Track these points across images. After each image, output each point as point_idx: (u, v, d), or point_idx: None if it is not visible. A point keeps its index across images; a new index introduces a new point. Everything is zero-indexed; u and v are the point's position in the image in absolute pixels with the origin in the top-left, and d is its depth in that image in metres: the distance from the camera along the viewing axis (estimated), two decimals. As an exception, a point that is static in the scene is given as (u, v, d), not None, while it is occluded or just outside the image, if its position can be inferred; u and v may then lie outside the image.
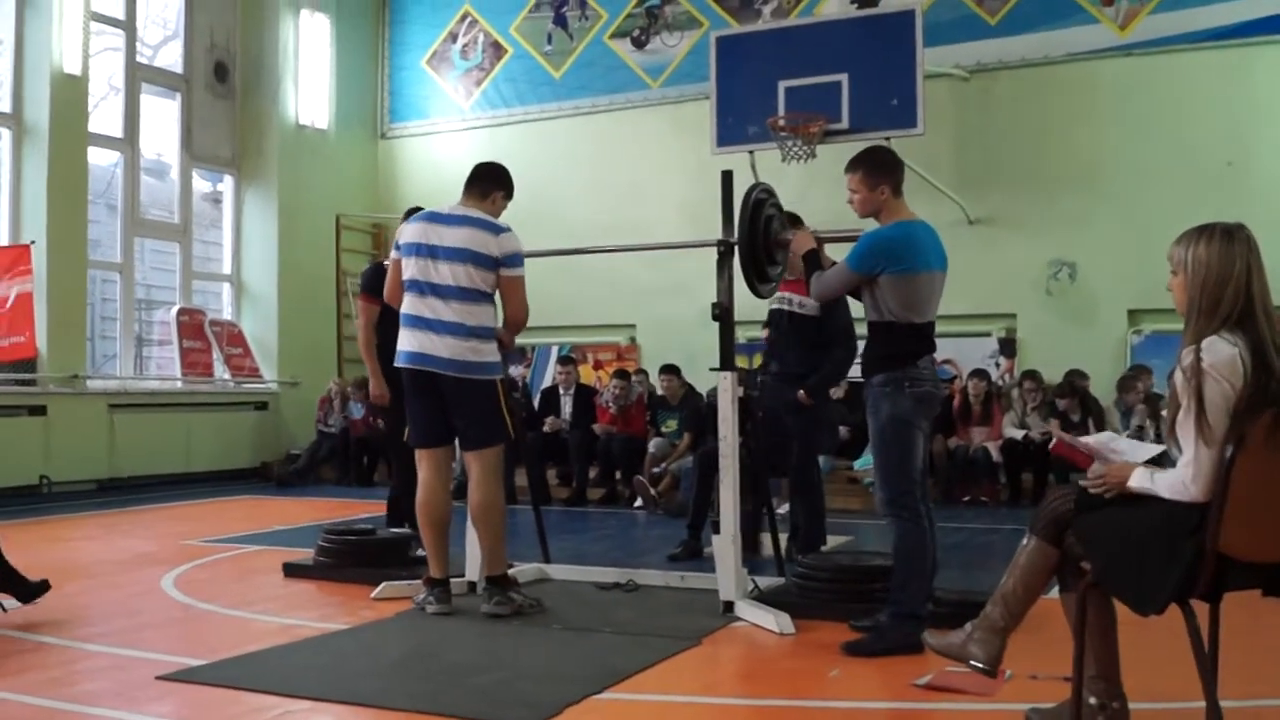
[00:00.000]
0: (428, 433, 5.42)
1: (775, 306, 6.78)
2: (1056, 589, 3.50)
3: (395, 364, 5.41)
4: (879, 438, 4.77)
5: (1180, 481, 3.00)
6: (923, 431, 4.79)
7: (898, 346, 4.76)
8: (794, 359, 6.75)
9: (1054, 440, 4.80)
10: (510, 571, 5.54)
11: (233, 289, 14.22)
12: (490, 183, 5.55)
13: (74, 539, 8.36)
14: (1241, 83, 11.17)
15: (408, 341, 5.31)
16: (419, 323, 5.27)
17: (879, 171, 4.89)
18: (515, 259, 5.35)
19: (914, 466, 4.72)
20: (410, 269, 5.32)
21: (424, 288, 5.27)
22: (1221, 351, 2.97)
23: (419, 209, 5.83)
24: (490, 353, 5.31)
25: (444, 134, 14.98)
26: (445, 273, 5.23)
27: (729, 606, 5.23)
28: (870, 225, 4.94)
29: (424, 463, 5.44)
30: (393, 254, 5.51)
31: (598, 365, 13.56)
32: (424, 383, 5.29)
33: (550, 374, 12.61)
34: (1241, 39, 11.16)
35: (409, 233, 5.40)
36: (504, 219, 5.49)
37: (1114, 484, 3.19)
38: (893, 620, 4.62)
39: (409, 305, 5.33)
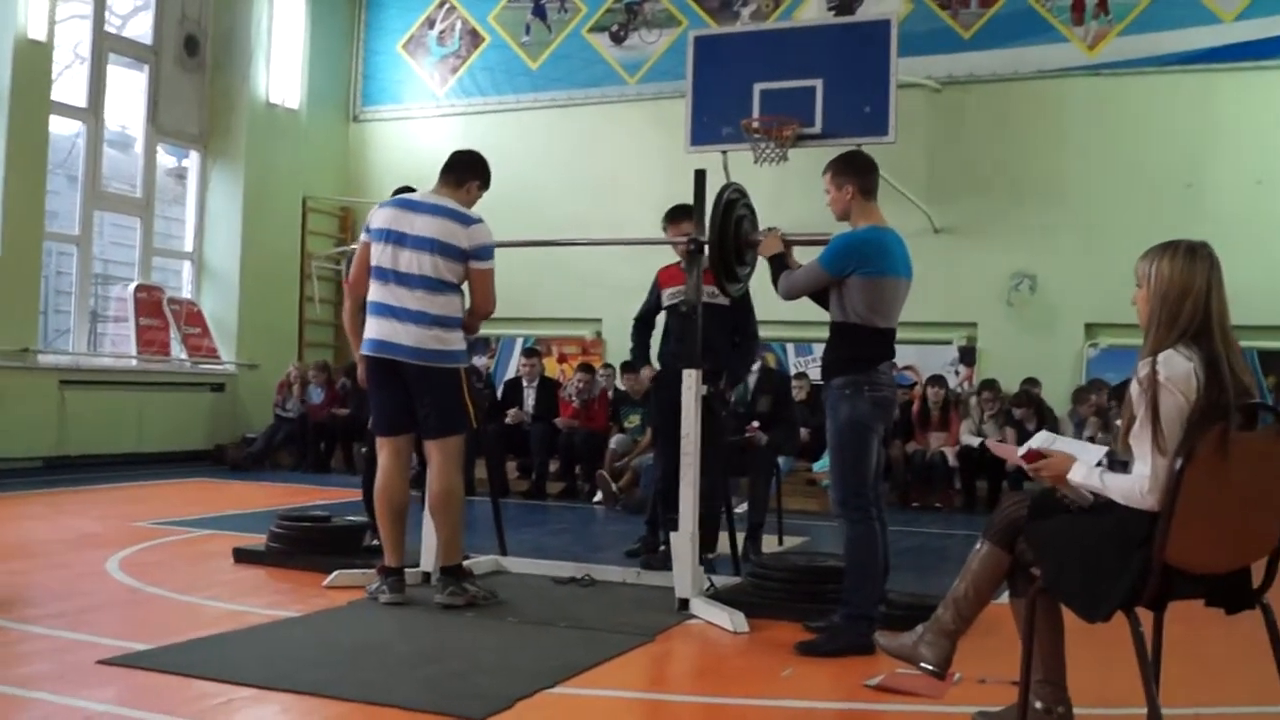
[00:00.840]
0: (390, 421, 5.38)
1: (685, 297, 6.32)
2: (1007, 594, 3.52)
3: (360, 351, 5.37)
4: (835, 439, 4.80)
5: (1136, 490, 3.03)
6: (878, 435, 4.81)
7: (860, 350, 4.78)
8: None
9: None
10: (466, 563, 5.52)
11: (193, 267, 14.06)
12: (466, 171, 5.50)
13: (19, 518, 8.25)
14: (1203, 107, 11.36)
15: (373, 329, 5.27)
16: (384, 310, 5.23)
17: (845, 172, 4.96)
18: (485, 251, 5.31)
19: (868, 469, 4.75)
20: (378, 255, 5.28)
21: (390, 275, 5.23)
22: (1177, 365, 3.00)
23: (409, 189, 5.78)
24: (455, 342, 5.28)
25: (417, 120, 14.90)
26: (412, 261, 5.20)
27: (684, 604, 5.23)
28: (842, 230, 4.96)
29: (384, 450, 5.40)
30: (362, 237, 5.46)
31: (562, 359, 13.54)
32: (388, 371, 5.26)
33: (514, 365, 12.57)
34: (1205, 65, 11.36)
35: (380, 217, 5.35)
36: (476, 209, 5.45)
37: (1052, 473, 3.24)
38: (845, 621, 4.63)
39: (375, 293, 5.29)
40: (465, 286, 5.39)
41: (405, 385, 5.26)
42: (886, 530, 4.88)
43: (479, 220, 5.34)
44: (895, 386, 4.95)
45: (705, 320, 5.84)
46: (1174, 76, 11.48)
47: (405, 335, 5.18)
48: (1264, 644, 3.09)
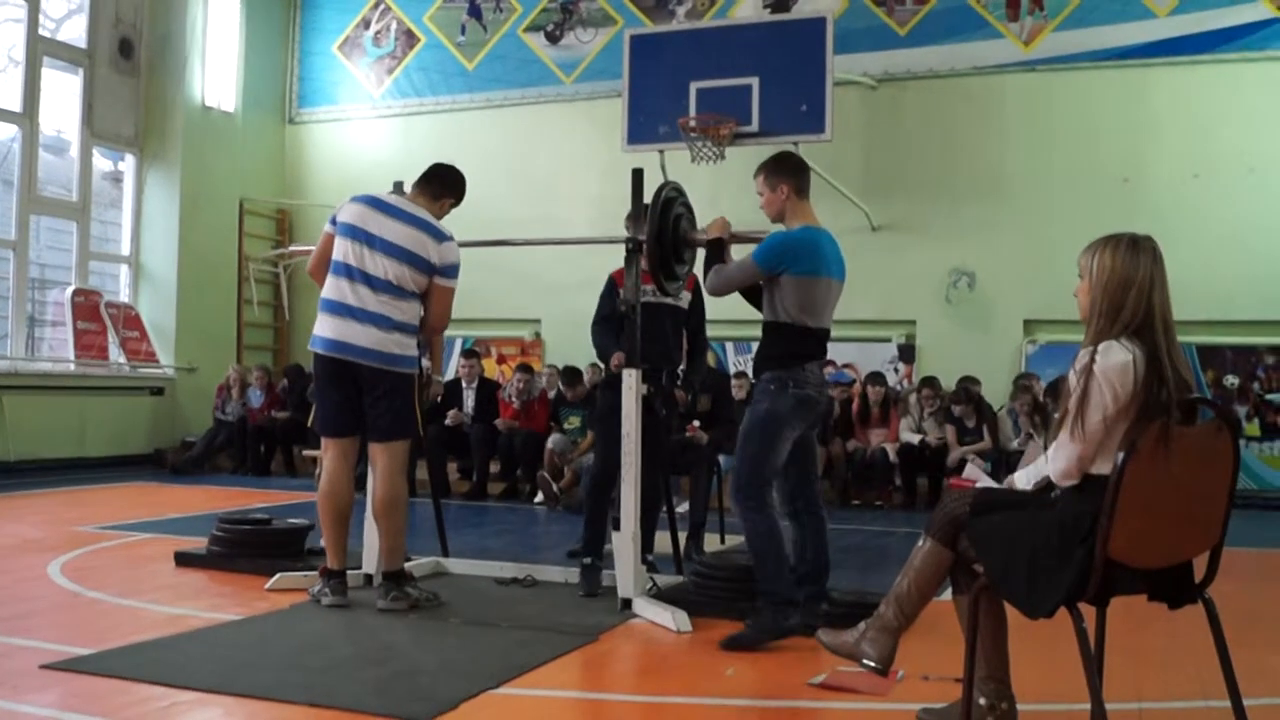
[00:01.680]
0: (337, 422, 5.35)
1: (644, 299, 5.91)
2: (949, 591, 3.56)
3: (311, 348, 5.32)
4: (745, 429, 4.87)
5: (1041, 461, 3.15)
6: (794, 433, 4.84)
7: (788, 347, 4.85)
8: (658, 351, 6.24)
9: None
10: (408, 565, 5.51)
11: (131, 271, 13.91)
12: (444, 186, 5.50)
13: (-43, 523, 8.14)
14: (1139, 101, 11.50)
15: (328, 328, 5.22)
16: (342, 309, 5.19)
17: (779, 173, 5.01)
18: (452, 270, 5.32)
19: (772, 464, 4.81)
20: (342, 251, 5.24)
21: (355, 274, 5.19)
22: (1115, 357, 3.04)
23: (401, 187, 5.73)
24: (412, 347, 5.28)
25: (354, 121, 14.82)
26: (380, 265, 5.16)
27: (627, 604, 5.25)
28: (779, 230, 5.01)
29: (330, 452, 5.38)
30: (325, 228, 5.39)
31: (501, 359, 13.52)
32: (339, 371, 5.23)
33: (454, 367, 12.53)
34: (1140, 59, 11.50)
35: (348, 213, 5.30)
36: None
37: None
38: (766, 609, 4.69)
39: (333, 289, 5.24)
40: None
41: (356, 386, 5.23)
42: (825, 527, 4.96)
43: (450, 237, 5.34)
44: (824, 386, 4.97)
45: (656, 320, 5.88)
46: (1110, 72, 11.62)
47: (363, 336, 5.14)
48: (1207, 638, 3.13)
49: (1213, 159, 11.23)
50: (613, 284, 6.33)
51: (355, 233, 5.23)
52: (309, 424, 5.58)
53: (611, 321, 6.24)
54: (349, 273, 5.20)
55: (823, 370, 4.96)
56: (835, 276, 4.94)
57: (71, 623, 5.01)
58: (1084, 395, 3.04)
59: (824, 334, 4.93)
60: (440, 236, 5.29)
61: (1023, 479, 3.40)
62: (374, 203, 5.32)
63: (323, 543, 5.42)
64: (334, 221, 5.35)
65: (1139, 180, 11.36)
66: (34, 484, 10.67)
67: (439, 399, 9.18)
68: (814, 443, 5.10)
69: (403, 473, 5.37)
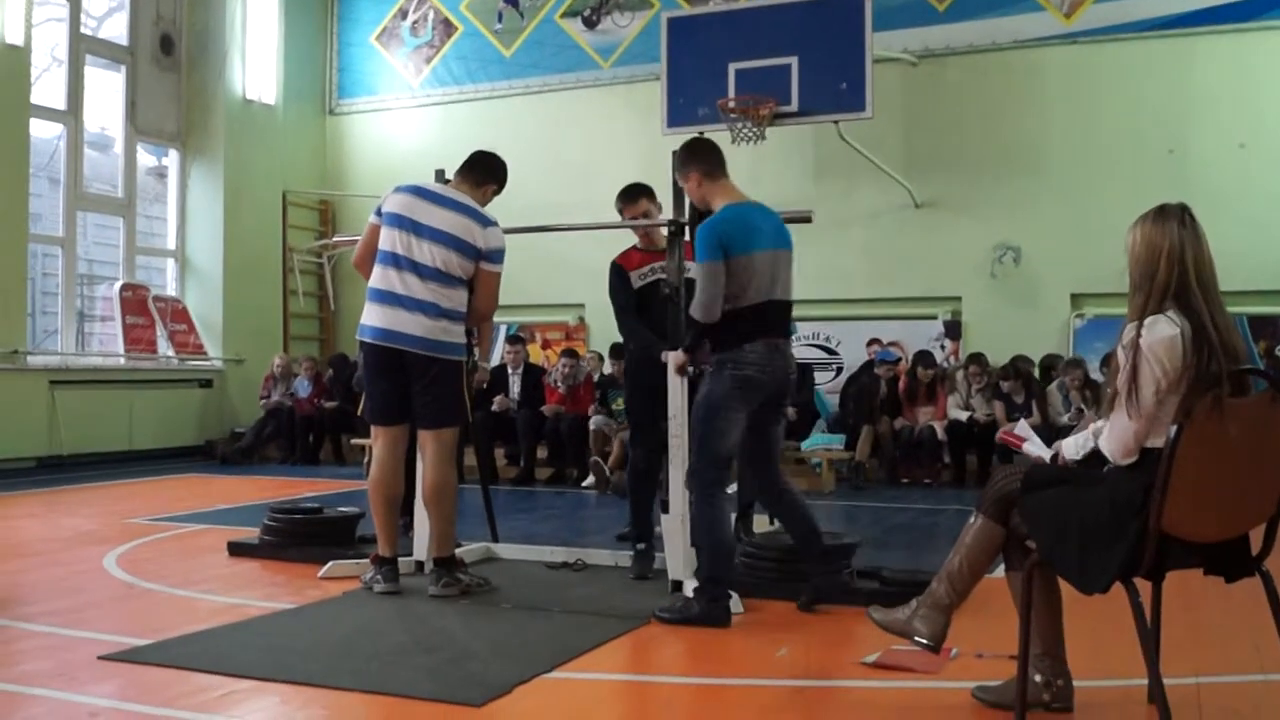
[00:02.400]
0: (386, 410, 5.37)
1: (656, 278, 6.02)
2: (1002, 568, 3.54)
3: (359, 338, 5.34)
4: (693, 413, 4.93)
5: (1089, 436, 3.13)
6: (738, 414, 4.80)
7: (728, 330, 4.82)
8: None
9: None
10: (458, 551, 5.53)
11: (177, 265, 14.06)
12: (486, 173, 5.52)
13: (14, 517, 8.25)
14: (1182, 72, 11.35)
15: (376, 316, 5.24)
16: (390, 298, 5.20)
17: (684, 163, 5.06)
18: (498, 255, 5.33)
19: (717, 448, 4.80)
20: (390, 240, 5.26)
21: (402, 262, 5.20)
22: (1161, 332, 3.00)
23: (443, 176, 5.75)
24: (459, 334, 5.30)
25: (393, 111, 14.88)
26: (428, 252, 5.18)
27: (677, 586, 5.24)
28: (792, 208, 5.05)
29: (379, 440, 5.40)
30: (371, 219, 5.41)
31: (546, 345, 13.54)
32: (389, 359, 5.25)
33: (499, 353, 12.58)
34: (1183, 29, 11.34)
35: (394, 202, 5.31)
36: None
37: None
38: (701, 598, 4.74)
39: (381, 279, 5.26)
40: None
41: (405, 374, 5.25)
42: (800, 499, 5.01)
43: (495, 223, 5.36)
44: (772, 365, 4.82)
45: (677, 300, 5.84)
46: (1152, 42, 11.47)
47: (412, 324, 5.16)
48: (1264, 611, 3.10)
49: (1259, 128, 11.07)
50: (619, 270, 6.18)
51: (402, 222, 5.25)
52: (359, 413, 5.59)
53: (632, 310, 6.10)
54: (396, 261, 5.22)
55: (774, 347, 4.84)
56: (769, 247, 4.86)
57: (128, 614, 5.07)
58: (1134, 371, 3.01)
59: (765, 308, 4.82)
60: (485, 222, 5.31)
61: (1071, 447, 3.38)
62: (420, 191, 5.34)
63: (374, 530, 5.45)
64: (379, 213, 5.37)
65: (1184, 151, 11.22)
66: (86, 477, 10.82)
67: (484, 385, 9.21)
68: (771, 426, 5.01)
69: (452, 460, 5.40)
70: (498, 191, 5.58)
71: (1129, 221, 3.23)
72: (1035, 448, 3.62)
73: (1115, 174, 11.25)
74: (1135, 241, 3.13)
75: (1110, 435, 3.10)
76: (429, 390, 5.24)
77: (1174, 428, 2.89)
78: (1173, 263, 3.05)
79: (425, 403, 5.27)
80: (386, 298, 5.22)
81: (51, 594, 5.37)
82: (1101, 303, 11.37)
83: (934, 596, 3.53)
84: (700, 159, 5.03)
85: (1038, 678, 3.38)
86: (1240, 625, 4.35)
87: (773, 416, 4.99)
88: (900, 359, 11.51)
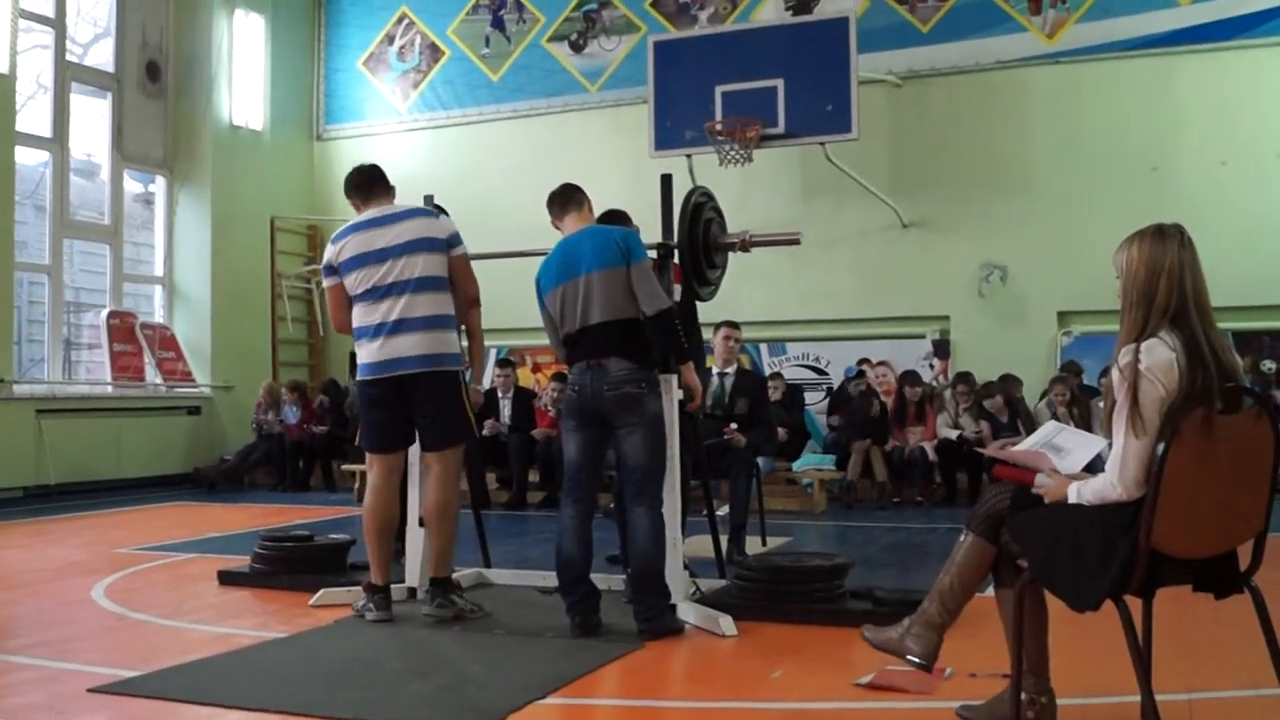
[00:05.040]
0: (386, 437, 5.34)
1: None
2: (991, 586, 3.54)
3: (360, 378, 5.31)
4: None
5: (1107, 484, 3.04)
6: (570, 432, 5.12)
7: (567, 355, 5.19)
8: None
9: (993, 461, 4.78)
10: (454, 576, 5.52)
11: (164, 291, 14.04)
12: (385, 181, 5.60)
13: (1, 548, 8.19)
14: (1165, 91, 11.48)
15: (370, 352, 5.20)
16: (379, 330, 5.17)
17: (549, 211, 5.40)
18: (458, 238, 5.37)
19: (566, 460, 5.16)
20: (361, 281, 5.22)
21: (382, 291, 5.17)
22: (1159, 355, 3.00)
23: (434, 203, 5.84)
24: (454, 343, 5.28)
25: (381, 136, 14.90)
26: (405, 267, 5.17)
27: (672, 608, 5.23)
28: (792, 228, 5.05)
29: (376, 467, 5.35)
30: (327, 280, 5.36)
31: (536, 368, 13.54)
32: (385, 391, 5.22)
33: (489, 376, 12.56)
34: (1163, 48, 11.50)
35: (346, 250, 5.27)
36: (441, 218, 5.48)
37: (1052, 499, 3.25)
38: (665, 610, 5.06)
39: (363, 316, 5.23)
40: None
41: (405, 399, 5.21)
42: (634, 536, 5.10)
43: (439, 210, 5.53)
44: (581, 383, 5.03)
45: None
46: (1134, 61, 11.59)
47: (408, 346, 5.13)
48: (1254, 627, 3.10)
49: (1241, 145, 11.19)
50: None
51: (366, 258, 5.22)
52: (354, 441, 5.57)
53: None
54: (376, 294, 5.20)
55: (589, 366, 5.02)
56: (583, 273, 5.06)
57: (118, 645, 5.03)
58: (1135, 392, 2.99)
59: (577, 336, 5.08)
60: (432, 214, 5.42)
61: (1074, 495, 3.20)
62: (361, 226, 5.32)
63: (366, 557, 5.41)
64: (332, 270, 5.33)
65: (1167, 169, 11.33)
66: (74, 506, 10.77)
67: (479, 408, 9.19)
68: (604, 446, 5.17)
69: (458, 479, 5.38)
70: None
71: (1114, 239, 3.25)
72: (1073, 439, 3.51)
73: (1099, 192, 11.35)
74: (1133, 260, 3.11)
75: (1120, 467, 3.02)
76: (431, 408, 5.21)
77: (1161, 444, 2.91)
78: (1172, 284, 3.05)
79: (429, 423, 5.24)
80: (376, 331, 5.18)
81: (40, 625, 5.33)
82: (1088, 320, 11.45)
83: (926, 615, 3.53)
84: (550, 209, 5.37)
85: (1022, 695, 3.37)
86: (1231, 641, 4.35)
87: (607, 434, 5.10)
88: (861, 373, 11.54)
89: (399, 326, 5.14)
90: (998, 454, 3.85)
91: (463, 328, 5.50)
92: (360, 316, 5.24)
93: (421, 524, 5.85)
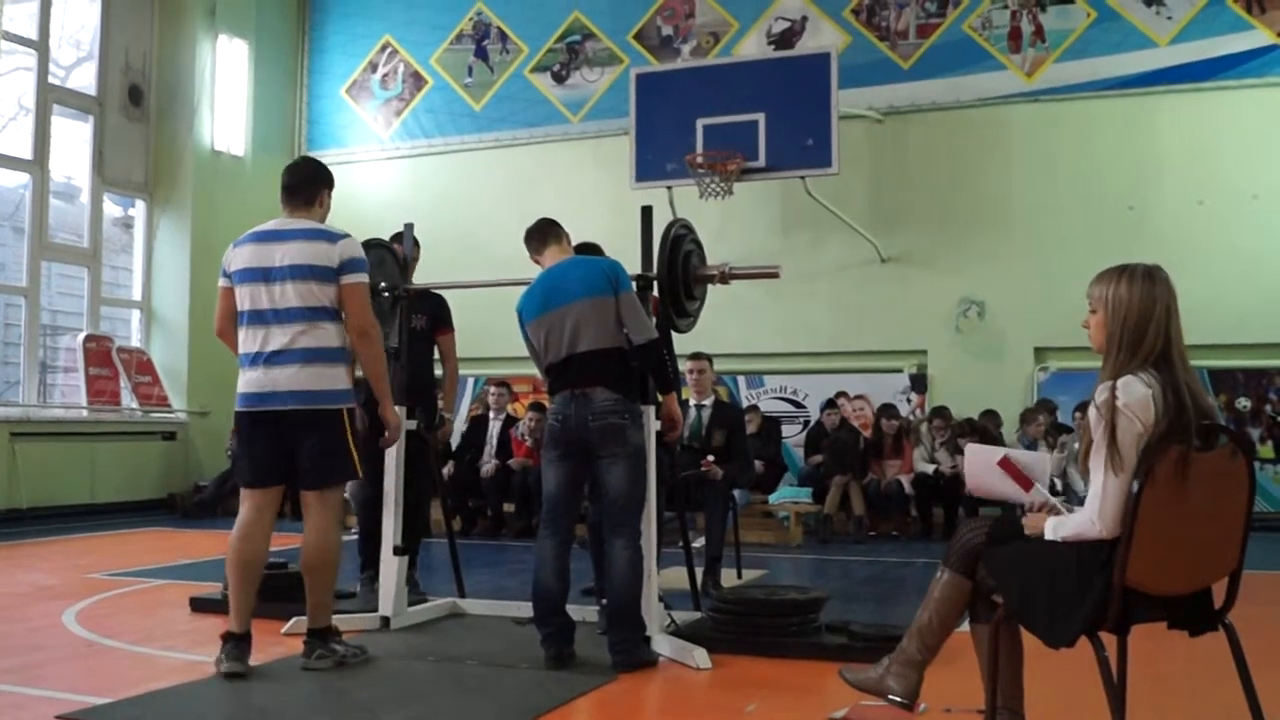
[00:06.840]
0: (260, 471, 4.94)
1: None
2: (967, 621, 3.54)
3: (237, 408, 4.98)
4: None
5: (1086, 520, 3.04)
6: (550, 462, 5.13)
7: (550, 384, 5.22)
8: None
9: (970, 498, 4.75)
10: (423, 606, 5.47)
11: (142, 316, 13.98)
12: (311, 185, 5.07)
13: (-28, 571, 8.14)
14: (1142, 130, 11.58)
15: (247, 382, 4.89)
16: (258, 359, 4.83)
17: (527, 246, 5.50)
18: (356, 264, 4.89)
19: (544, 490, 5.17)
20: (246, 299, 4.86)
21: (266, 316, 4.82)
22: (1136, 391, 3.01)
23: (379, 240, 5.66)
24: (338, 379, 4.86)
25: (363, 163, 14.87)
26: (284, 294, 4.79)
27: (646, 641, 5.22)
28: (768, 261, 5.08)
29: (247, 503, 4.99)
30: (221, 282, 4.97)
31: (515, 398, 13.49)
32: (265, 422, 4.86)
33: (465, 409, 12.53)
34: (1142, 88, 11.61)
35: (239, 258, 4.90)
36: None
37: (1032, 533, 3.26)
38: (640, 642, 5.07)
39: (245, 341, 4.88)
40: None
41: (283, 437, 4.85)
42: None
43: (346, 235, 4.93)
44: (564, 413, 5.05)
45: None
46: (1112, 101, 11.70)
47: (284, 380, 4.77)
48: (1229, 664, 3.11)
49: (1216, 185, 11.29)
50: None
51: (253, 274, 4.84)
52: (233, 474, 5.39)
53: None
54: (259, 318, 4.83)
55: (572, 396, 5.04)
56: (569, 302, 5.10)
57: (87, 672, 5.00)
58: (1113, 429, 2.99)
59: (558, 367, 5.12)
60: (335, 237, 4.88)
61: (1050, 532, 3.19)
62: (259, 236, 4.91)
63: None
64: (226, 273, 4.95)
65: (1144, 208, 11.42)
66: (47, 531, 10.69)
67: (447, 440, 9.15)
68: (584, 475, 5.20)
69: (338, 522, 5.02)
70: (331, 189, 5.17)
71: (1091, 276, 3.26)
72: (1035, 463, 3.54)
73: (1076, 230, 11.43)
74: (1124, 301, 3.11)
75: (1100, 504, 3.01)
76: (309, 445, 4.82)
77: (1137, 481, 2.92)
78: (1159, 330, 3.08)
79: (307, 461, 4.85)
80: (255, 360, 4.84)
81: (8, 651, 5.27)
82: (1065, 356, 11.47)
83: (906, 654, 3.53)
84: (529, 244, 5.45)
85: (996, 731, 3.38)
86: (1205, 678, 4.36)
87: (588, 465, 5.11)
88: (835, 404, 11.56)
89: (275, 358, 4.79)
90: (1009, 453, 3.82)
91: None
92: (243, 341, 4.90)
93: (365, 559, 5.80)
